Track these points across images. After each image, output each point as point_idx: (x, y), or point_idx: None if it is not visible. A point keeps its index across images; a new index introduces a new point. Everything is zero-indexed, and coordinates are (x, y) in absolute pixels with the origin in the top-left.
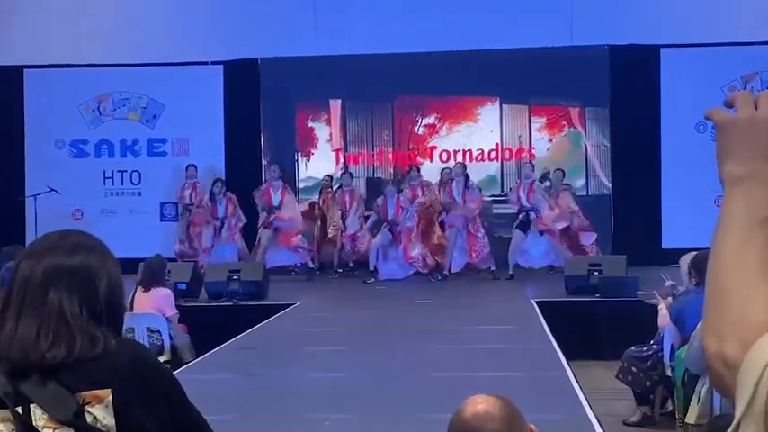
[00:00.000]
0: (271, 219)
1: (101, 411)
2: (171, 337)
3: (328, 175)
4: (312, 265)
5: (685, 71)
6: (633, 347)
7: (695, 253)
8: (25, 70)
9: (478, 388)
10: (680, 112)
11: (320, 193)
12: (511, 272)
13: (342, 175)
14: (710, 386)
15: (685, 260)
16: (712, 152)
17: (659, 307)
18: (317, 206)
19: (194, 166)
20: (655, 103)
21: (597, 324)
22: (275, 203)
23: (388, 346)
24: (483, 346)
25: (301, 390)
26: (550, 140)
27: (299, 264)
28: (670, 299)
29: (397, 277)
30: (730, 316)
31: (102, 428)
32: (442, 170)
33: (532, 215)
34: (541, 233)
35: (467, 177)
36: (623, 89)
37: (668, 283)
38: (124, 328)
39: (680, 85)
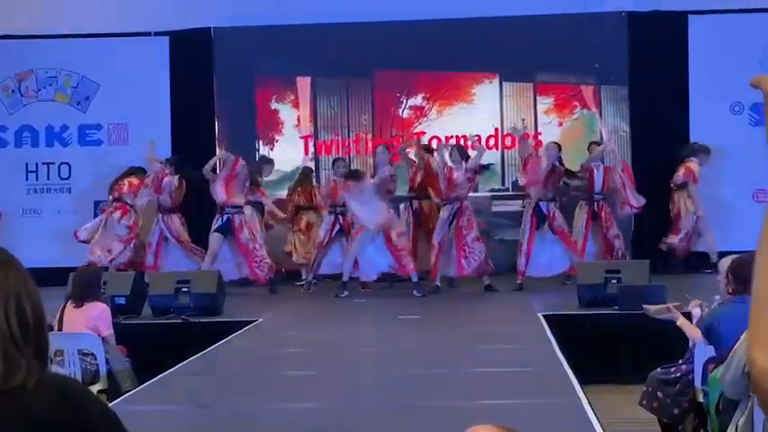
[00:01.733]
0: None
1: None
2: (107, 362)
3: (308, 167)
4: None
5: (718, 42)
6: (659, 369)
7: (734, 257)
8: None
9: (476, 419)
10: (712, 91)
11: (297, 187)
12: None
13: (334, 162)
14: (759, 406)
15: (724, 265)
16: (750, 137)
17: (678, 323)
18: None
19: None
20: (682, 79)
21: (616, 342)
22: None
23: (369, 371)
24: (481, 369)
25: (265, 423)
26: (560, 124)
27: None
28: (698, 309)
29: (384, 270)
30: None
31: None
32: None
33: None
34: (554, 233)
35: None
36: (645, 63)
37: (694, 303)
38: (52, 350)
39: (711, 59)
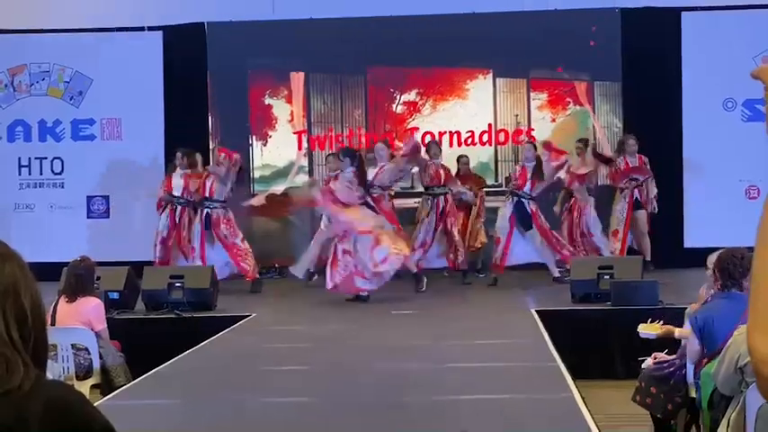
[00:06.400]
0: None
1: None
2: (101, 356)
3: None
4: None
5: (710, 38)
6: (653, 364)
7: (719, 252)
8: None
9: (468, 413)
10: (704, 87)
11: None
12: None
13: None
14: (759, 392)
15: (713, 260)
16: (743, 133)
17: (677, 336)
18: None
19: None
20: (675, 76)
21: (609, 337)
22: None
23: (362, 366)
24: (473, 364)
25: (258, 418)
26: (553, 120)
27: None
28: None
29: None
30: None
31: None
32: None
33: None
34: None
35: None
36: (638, 60)
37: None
38: None
39: (704, 56)
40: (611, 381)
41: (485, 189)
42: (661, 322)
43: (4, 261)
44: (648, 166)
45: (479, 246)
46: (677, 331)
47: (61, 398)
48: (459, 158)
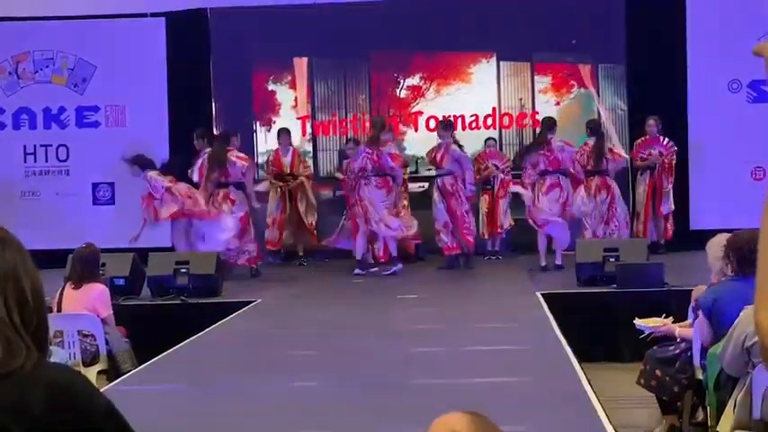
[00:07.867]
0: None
1: None
2: (107, 342)
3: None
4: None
5: (715, 19)
6: (657, 347)
7: (731, 234)
8: None
9: (473, 396)
10: (709, 69)
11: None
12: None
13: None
14: (764, 364)
15: (714, 243)
16: (748, 115)
17: (677, 334)
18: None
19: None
20: (680, 58)
21: (614, 320)
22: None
23: (367, 350)
24: (479, 347)
25: (264, 403)
26: (557, 104)
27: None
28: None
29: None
30: None
31: None
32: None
33: None
34: None
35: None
36: (642, 42)
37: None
38: (51, 331)
39: (709, 37)
40: (616, 363)
41: (512, 172)
42: (671, 319)
43: (3, 246)
44: (673, 147)
45: (506, 228)
46: (678, 330)
47: (64, 379)
48: (486, 141)
